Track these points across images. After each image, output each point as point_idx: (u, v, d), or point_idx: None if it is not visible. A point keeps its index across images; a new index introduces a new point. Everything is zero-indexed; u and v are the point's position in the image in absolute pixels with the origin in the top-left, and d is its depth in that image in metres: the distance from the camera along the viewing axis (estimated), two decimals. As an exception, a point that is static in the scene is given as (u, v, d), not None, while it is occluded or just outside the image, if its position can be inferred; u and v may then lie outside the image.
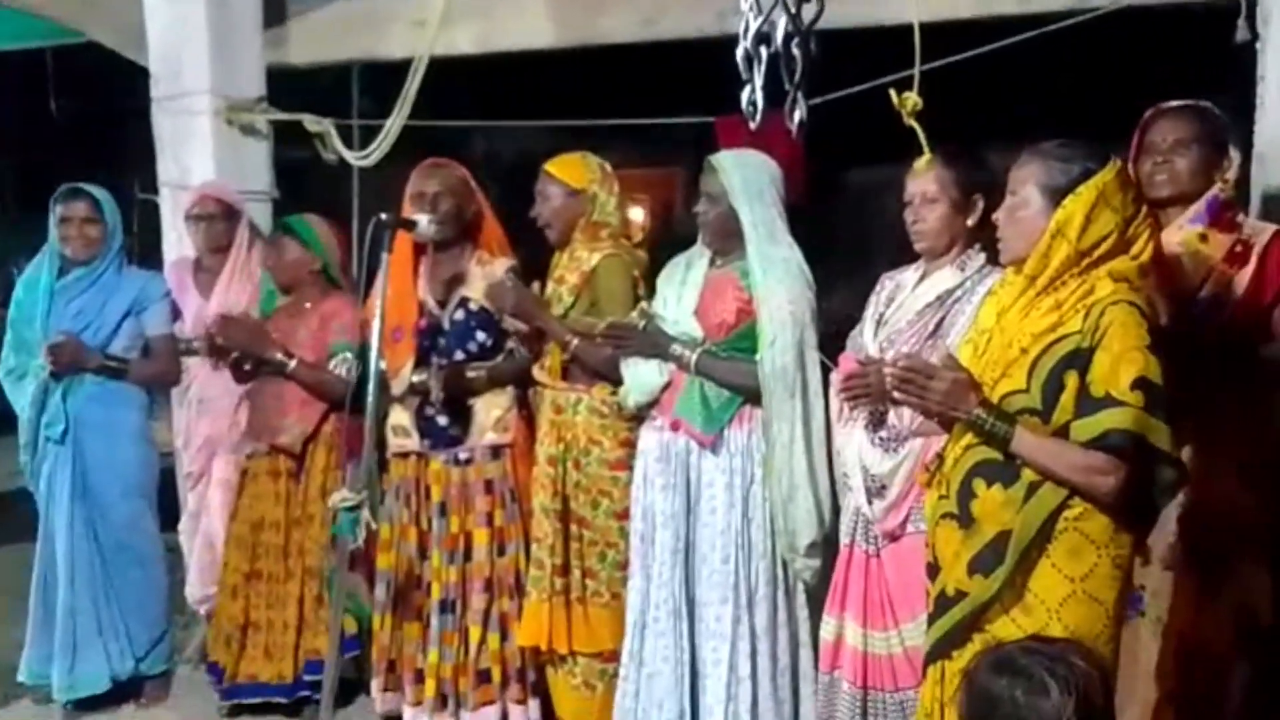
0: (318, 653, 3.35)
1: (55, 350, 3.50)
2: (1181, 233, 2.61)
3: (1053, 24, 3.54)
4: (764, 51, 1.76)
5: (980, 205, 2.52)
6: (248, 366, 3.46)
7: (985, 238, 2.55)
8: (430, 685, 3.21)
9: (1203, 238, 2.59)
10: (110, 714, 3.65)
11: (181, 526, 3.99)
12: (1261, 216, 3.05)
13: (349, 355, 3.42)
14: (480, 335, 3.24)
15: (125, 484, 3.65)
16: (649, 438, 2.98)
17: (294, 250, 3.50)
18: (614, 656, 3.09)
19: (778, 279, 2.82)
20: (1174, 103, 2.69)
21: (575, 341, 3.06)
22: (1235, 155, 2.65)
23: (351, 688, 3.51)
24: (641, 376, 2.96)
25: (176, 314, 3.79)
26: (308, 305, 3.50)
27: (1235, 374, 2.53)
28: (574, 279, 3.12)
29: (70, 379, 3.55)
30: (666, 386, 2.94)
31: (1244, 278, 2.55)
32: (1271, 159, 3.18)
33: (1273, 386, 2.59)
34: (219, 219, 3.86)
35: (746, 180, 2.85)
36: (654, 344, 2.92)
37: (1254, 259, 2.56)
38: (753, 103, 1.81)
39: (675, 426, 2.91)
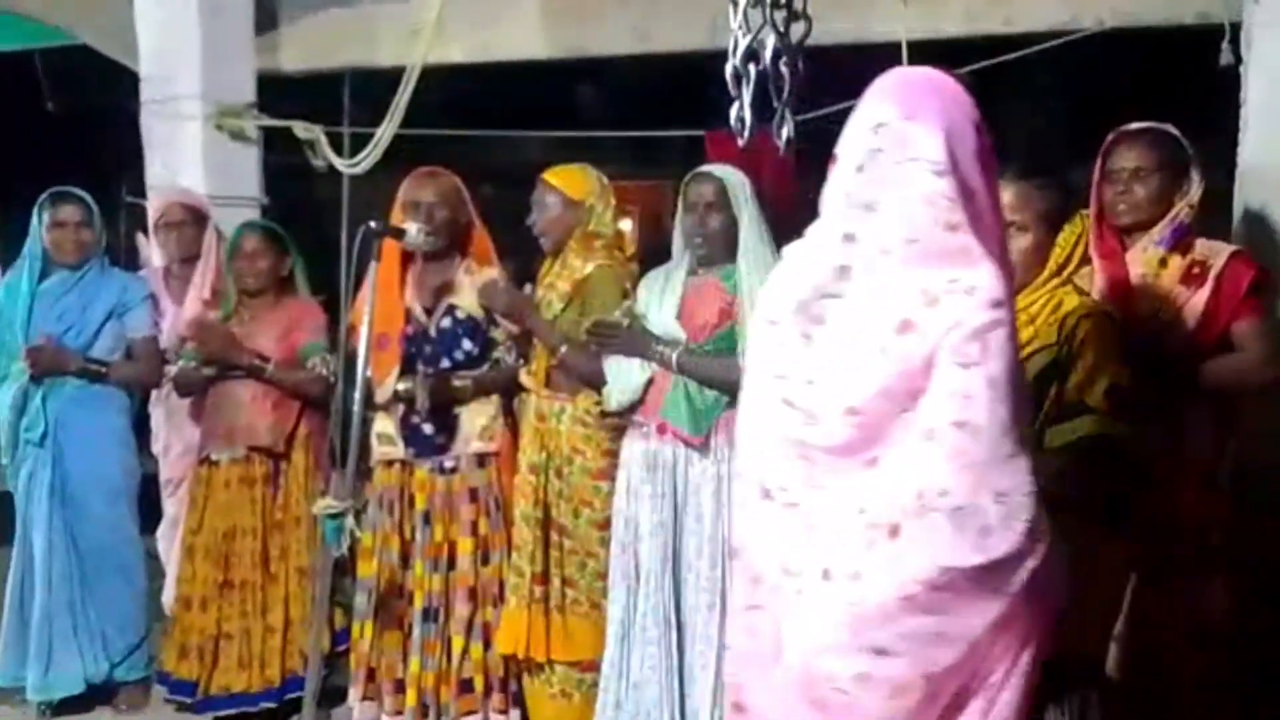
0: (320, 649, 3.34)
1: (34, 354, 3.50)
2: (1144, 255, 2.67)
3: (1038, 44, 3.59)
4: (753, 70, 1.79)
5: None
6: (209, 372, 3.43)
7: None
8: (411, 694, 3.20)
9: (1163, 262, 2.65)
10: (86, 718, 3.63)
11: (160, 533, 3.97)
12: (1243, 236, 3.10)
13: (326, 355, 3.44)
14: (467, 344, 3.24)
15: (105, 487, 3.62)
16: (633, 447, 3.00)
17: (271, 255, 3.50)
18: (592, 666, 3.09)
19: (762, 279, 2.86)
20: (1134, 126, 2.72)
21: (564, 347, 3.08)
22: (1196, 177, 2.68)
23: (337, 693, 3.49)
24: (624, 375, 2.98)
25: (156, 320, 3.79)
26: (269, 309, 3.49)
27: (1195, 390, 2.59)
28: (565, 286, 3.14)
29: (51, 382, 3.54)
30: (649, 384, 2.96)
31: (1200, 299, 2.61)
32: (1253, 180, 3.22)
33: (1231, 398, 2.66)
34: (189, 225, 3.84)
35: (745, 189, 2.93)
36: (637, 343, 2.95)
37: (1210, 280, 2.61)
38: (741, 120, 1.83)
39: (662, 430, 2.93)
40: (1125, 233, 2.72)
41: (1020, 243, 2.11)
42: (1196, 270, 2.62)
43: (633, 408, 3.00)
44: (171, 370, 3.65)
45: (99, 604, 3.61)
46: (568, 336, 3.09)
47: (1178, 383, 2.56)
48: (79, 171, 4.08)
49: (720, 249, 2.94)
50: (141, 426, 3.95)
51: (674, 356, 2.90)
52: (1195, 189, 2.68)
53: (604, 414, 3.09)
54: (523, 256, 3.54)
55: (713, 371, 2.90)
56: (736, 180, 2.93)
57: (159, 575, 3.92)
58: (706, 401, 2.91)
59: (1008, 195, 2.13)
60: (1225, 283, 2.61)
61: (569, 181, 3.19)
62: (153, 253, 4.28)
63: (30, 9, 4.58)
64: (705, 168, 3.00)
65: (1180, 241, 2.66)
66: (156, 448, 3.98)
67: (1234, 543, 2.64)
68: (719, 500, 2.88)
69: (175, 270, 3.88)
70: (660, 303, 2.99)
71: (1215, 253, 2.67)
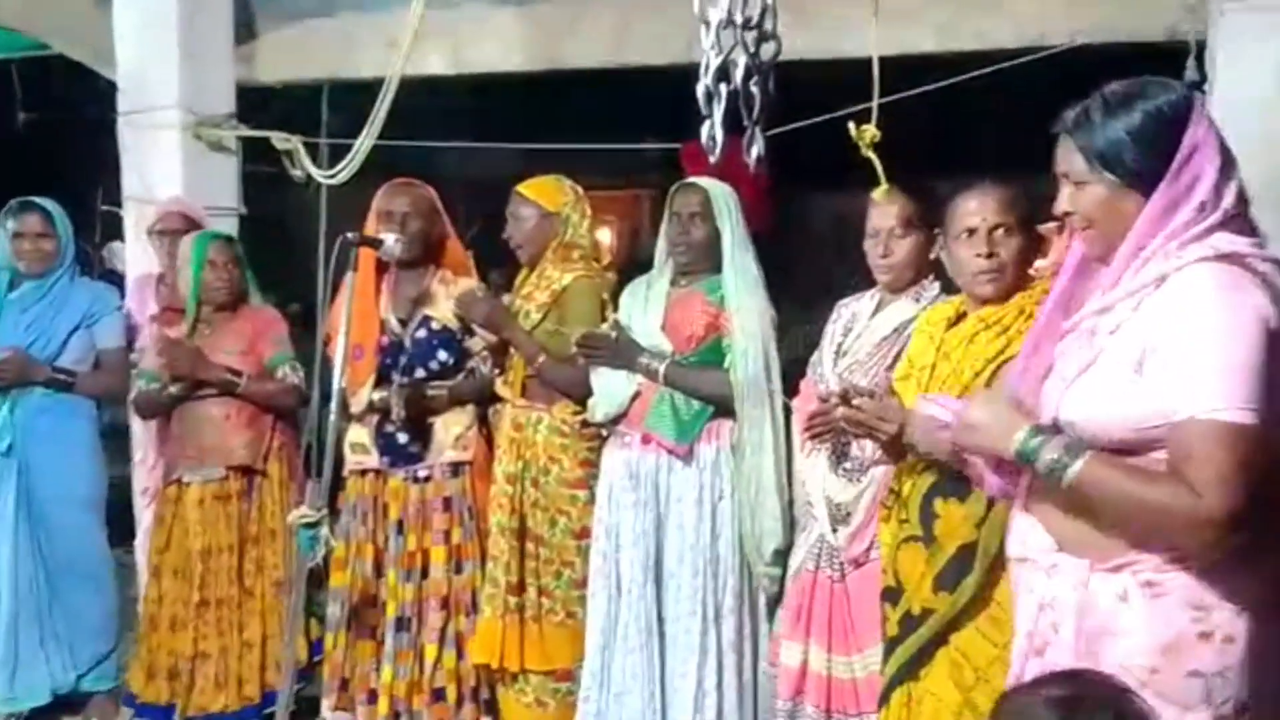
0: (297, 661, 3.28)
1: (0, 364, 3.48)
2: None
3: (1009, 61, 3.64)
4: (724, 88, 1.82)
5: (940, 238, 2.60)
6: (174, 389, 3.34)
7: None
8: (384, 703, 3.20)
9: None
10: (56, 729, 3.61)
11: (139, 543, 3.95)
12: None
13: (295, 364, 3.43)
14: (442, 354, 3.25)
15: (72, 497, 3.61)
16: (614, 457, 3.01)
17: (236, 265, 3.45)
18: (567, 675, 3.11)
19: (749, 292, 2.92)
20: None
21: (542, 357, 3.09)
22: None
23: (312, 704, 3.48)
24: (610, 387, 3.00)
25: (136, 330, 3.75)
26: (229, 320, 3.42)
27: None
28: (543, 297, 3.15)
29: (18, 392, 3.53)
30: (635, 397, 2.98)
31: None
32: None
33: None
34: (182, 235, 3.84)
35: (727, 200, 2.96)
36: (624, 354, 2.97)
37: None
38: (712, 138, 1.86)
39: (646, 440, 2.95)
40: None
41: (1011, 245, 2.16)
42: None
43: (616, 418, 3.02)
44: (132, 393, 3.55)
45: (66, 614, 3.59)
46: (545, 346, 3.11)
47: None
48: (56, 181, 4.07)
49: (702, 259, 2.98)
50: (120, 435, 3.94)
51: (661, 369, 2.92)
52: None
53: (585, 424, 3.11)
54: (504, 267, 3.55)
55: (701, 384, 2.92)
56: (721, 192, 2.96)
57: (135, 585, 3.91)
58: (692, 412, 2.93)
59: (993, 199, 2.17)
60: None
61: (543, 193, 3.21)
62: (128, 261, 4.27)
63: (6, 18, 4.56)
64: (691, 179, 3.03)
65: None
66: (136, 456, 3.96)
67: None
68: (701, 509, 2.91)
69: (168, 279, 3.85)
70: (644, 313, 3.01)
71: None
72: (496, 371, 3.27)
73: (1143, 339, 1.54)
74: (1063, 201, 1.68)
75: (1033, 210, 2.26)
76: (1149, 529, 1.56)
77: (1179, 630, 1.54)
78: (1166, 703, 1.52)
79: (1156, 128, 1.58)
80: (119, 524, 3.85)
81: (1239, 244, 1.55)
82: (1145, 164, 1.57)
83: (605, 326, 3.04)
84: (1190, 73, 3.36)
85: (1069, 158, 1.65)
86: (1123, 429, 1.56)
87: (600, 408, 3.02)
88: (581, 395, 3.10)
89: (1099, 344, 1.60)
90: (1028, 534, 1.69)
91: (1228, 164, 1.59)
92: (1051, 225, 2.63)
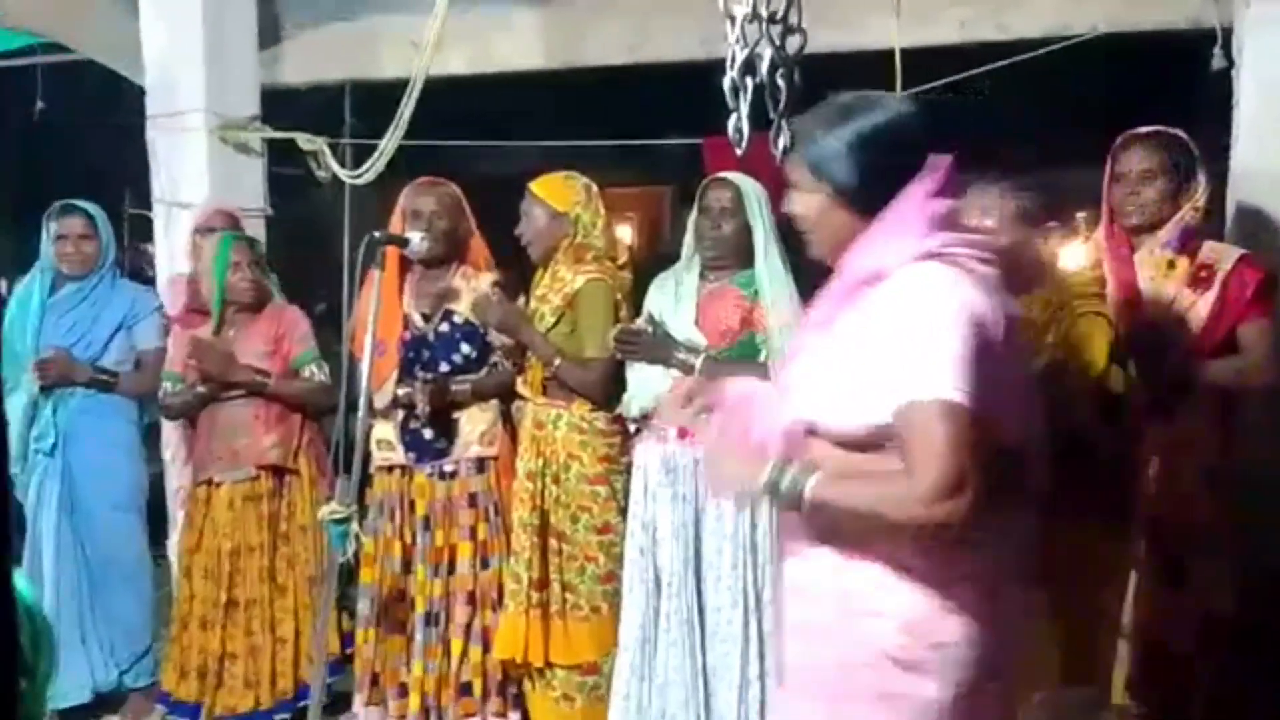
0: (330, 653, 3.33)
1: (43, 365, 3.52)
2: (1152, 258, 2.72)
3: (1032, 51, 3.63)
4: (749, 82, 1.83)
5: None
6: (202, 389, 3.35)
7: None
8: (414, 699, 3.22)
9: (1171, 264, 2.70)
10: (94, 726, 3.66)
11: (170, 542, 4.00)
12: (1236, 237, 3.14)
13: (321, 361, 3.45)
14: (465, 347, 3.27)
15: (114, 497, 3.65)
16: (650, 451, 3.02)
17: (258, 265, 3.46)
18: (593, 669, 3.12)
19: (782, 288, 2.93)
20: (1143, 130, 2.77)
21: (558, 360, 3.11)
22: (1203, 180, 2.73)
23: (345, 698, 3.50)
24: (647, 383, 3.01)
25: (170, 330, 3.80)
26: (253, 320, 3.42)
27: (1198, 391, 2.64)
28: (557, 299, 3.16)
29: (61, 392, 3.57)
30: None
31: (1207, 301, 2.66)
32: (1246, 182, 3.26)
33: (1233, 398, 2.72)
34: None
35: (758, 195, 2.97)
36: (660, 349, 2.97)
37: (1217, 284, 2.66)
38: (739, 130, 1.87)
39: (682, 434, 2.96)
40: (1133, 234, 2.77)
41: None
42: (1204, 274, 2.67)
43: (649, 413, 3.02)
44: (162, 396, 3.56)
45: (106, 612, 3.63)
46: (560, 349, 3.12)
47: (1182, 384, 2.61)
48: (86, 183, 4.11)
49: (731, 254, 2.98)
50: (153, 432, 3.98)
51: (698, 364, 2.93)
52: (1201, 192, 2.72)
53: (617, 419, 3.12)
54: (524, 265, 3.56)
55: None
56: (752, 188, 2.97)
57: (169, 582, 3.94)
58: None
59: (983, 201, 2.18)
60: (1232, 285, 2.65)
61: (553, 192, 3.19)
62: (158, 262, 4.32)
63: (34, 24, 4.61)
64: (723, 174, 3.03)
65: (1188, 244, 2.71)
66: (166, 455, 4.00)
67: (1236, 542, 2.68)
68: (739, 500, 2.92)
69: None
70: (676, 309, 3.02)
71: (1223, 255, 2.71)
72: (516, 370, 3.29)
73: (862, 335, 1.61)
74: (788, 203, 1.77)
75: (1028, 202, 2.27)
76: (885, 520, 1.61)
77: (926, 606, 1.64)
78: (918, 674, 1.64)
79: (862, 146, 1.65)
80: (155, 522, 3.88)
81: (953, 245, 1.61)
82: (855, 179, 1.65)
83: (640, 321, 3.04)
84: (1217, 60, 3.35)
85: (796, 169, 1.74)
86: (855, 426, 1.61)
87: (636, 403, 3.03)
88: (598, 396, 3.11)
89: (829, 344, 1.67)
90: (792, 524, 1.76)
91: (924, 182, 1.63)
92: (1080, 217, 2.65)
